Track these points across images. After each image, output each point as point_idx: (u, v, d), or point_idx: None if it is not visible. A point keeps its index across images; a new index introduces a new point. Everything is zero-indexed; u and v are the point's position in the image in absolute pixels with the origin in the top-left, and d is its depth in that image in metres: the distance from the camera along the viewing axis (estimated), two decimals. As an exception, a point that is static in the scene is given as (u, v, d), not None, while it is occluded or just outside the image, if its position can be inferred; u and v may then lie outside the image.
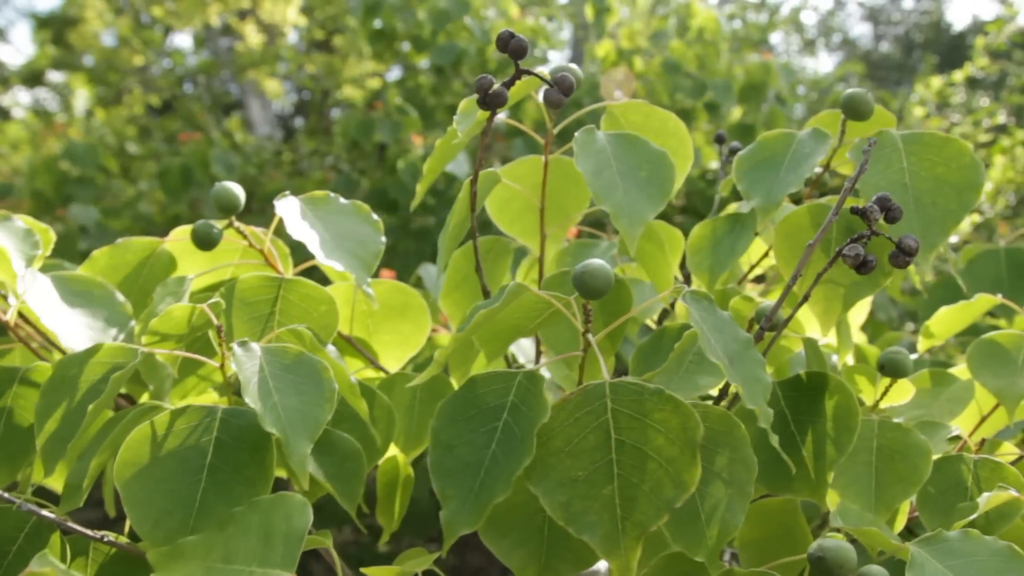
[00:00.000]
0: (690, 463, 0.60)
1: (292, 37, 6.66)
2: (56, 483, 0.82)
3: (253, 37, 5.87)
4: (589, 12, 3.41)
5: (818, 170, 0.97)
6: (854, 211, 0.74)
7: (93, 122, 5.10)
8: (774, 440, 0.66)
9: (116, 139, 4.27)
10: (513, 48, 0.78)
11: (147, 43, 5.87)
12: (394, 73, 5.22)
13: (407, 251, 3.01)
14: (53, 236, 0.77)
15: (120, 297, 0.78)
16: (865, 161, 0.77)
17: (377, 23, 3.39)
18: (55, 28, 6.26)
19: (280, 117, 8.13)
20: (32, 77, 6.31)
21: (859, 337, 1.37)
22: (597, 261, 0.66)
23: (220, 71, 6.37)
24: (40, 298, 0.72)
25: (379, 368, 1.01)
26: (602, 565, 1.15)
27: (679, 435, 0.60)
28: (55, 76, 6.51)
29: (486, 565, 2.54)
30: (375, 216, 0.89)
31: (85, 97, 6.13)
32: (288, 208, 0.84)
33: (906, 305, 2.27)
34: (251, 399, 0.61)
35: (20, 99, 6.81)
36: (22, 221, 0.75)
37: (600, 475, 0.61)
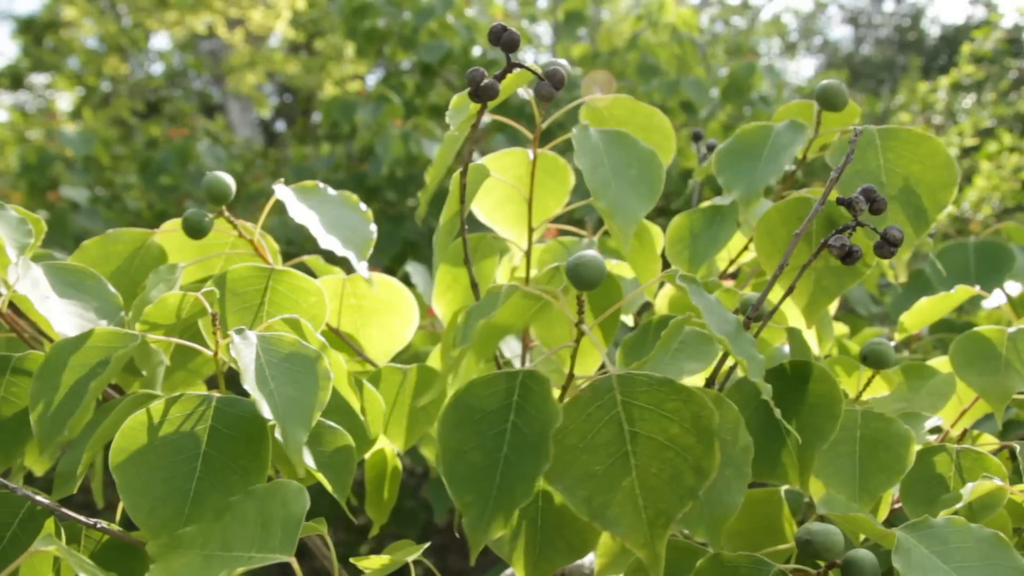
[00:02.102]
0: (708, 450, 0.59)
1: (273, 41, 6.65)
2: (42, 468, 0.82)
3: (240, 44, 5.86)
4: (560, 15, 3.42)
5: (789, 168, 0.98)
6: (840, 201, 0.75)
7: (79, 123, 5.08)
8: (777, 413, 0.66)
9: (101, 139, 4.25)
10: (505, 41, 0.79)
11: (132, 42, 5.84)
12: (376, 76, 5.23)
13: (383, 234, 2.99)
14: (44, 226, 0.78)
15: (111, 288, 0.78)
16: (851, 152, 0.78)
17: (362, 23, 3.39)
18: (36, 31, 6.20)
19: (262, 121, 8.09)
20: (14, 79, 6.26)
21: (839, 331, 1.38)
22: (590, 252, 0.66)
23: (203, 71, 6.36)
24: (32, 287, 0.72)
25: (367, 360, 1.02)
26: (587, 560, 1.16)
27: (693, 424, 0.60)
28: (37, 78, 6.46)
29: (467, 568, 2.54)
30: (363, 206, 0.89)
31: (69, 100, 6.08)
32: (286, 194, 0.85)
33: (885, 304, 2.29)
34: (249, 386, 0.62)
35: (3, 101, 6.76)
36: (15, 211, 0.75)
37: (618, 468, 0.60)
